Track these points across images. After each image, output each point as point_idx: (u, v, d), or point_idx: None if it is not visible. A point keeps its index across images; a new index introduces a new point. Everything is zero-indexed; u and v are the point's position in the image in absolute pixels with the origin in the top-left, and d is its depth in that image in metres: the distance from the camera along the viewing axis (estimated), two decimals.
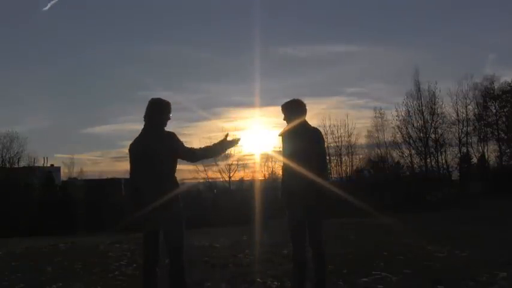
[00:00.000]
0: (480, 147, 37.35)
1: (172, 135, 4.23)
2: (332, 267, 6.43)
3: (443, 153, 37.01)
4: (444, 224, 13.96)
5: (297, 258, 4.46)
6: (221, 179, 37.92)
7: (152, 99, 4.30)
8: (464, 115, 37.06)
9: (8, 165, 40.12)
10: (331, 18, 64.30)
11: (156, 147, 4.11)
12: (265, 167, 38.25)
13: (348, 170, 38.55)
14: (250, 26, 63.15)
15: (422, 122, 36.41)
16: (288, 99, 4.68)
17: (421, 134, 36.38)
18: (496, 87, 36.96)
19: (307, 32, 65.27)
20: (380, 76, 66.16)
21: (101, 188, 38.78)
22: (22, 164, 41.21)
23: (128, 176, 4.44)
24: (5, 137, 40.19)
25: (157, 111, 4.24)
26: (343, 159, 38.19)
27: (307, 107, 4.62)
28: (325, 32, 66.27)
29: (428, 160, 36.69)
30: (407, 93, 37.15)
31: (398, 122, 37.05)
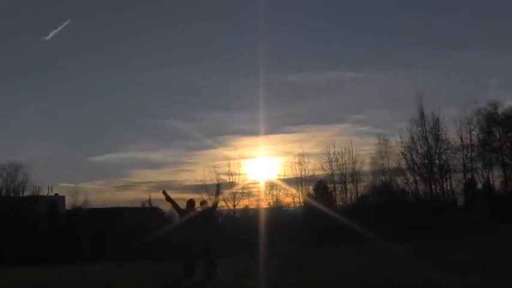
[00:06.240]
0: (485, 173, 36.96)
1: None
2: None
3: (448, 179, 36.68)
4: (450, 251, 13.86)
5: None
6: (226, 207, 37.67)
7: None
8: (468, 141, 36.81)
9: (12, 194, 40.16)
10: (333, 45, 64.86)
11: None
12: (270, 195, 38.11)
13: (353, 197, 38.29)
14: (253, 54, 63.80)
15: (426, 148, 36.23)
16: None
17: (426, 160, 36.17)
18: (499, 112, 36.84)
19: (310, 59, 65.77)
20: (383, 102, 66.23)
21: (105, 217, 38.70)
22: (26, 193, 41.13)
23: None
24: (9, 166, 40.29)
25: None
26: (348, 186, 38.00)
27: None
28: (328, 59, 66.71)
29: (433, 186, 36.43)
30: (411, 119, 36.98)
31: (402, 149, 36.79)
